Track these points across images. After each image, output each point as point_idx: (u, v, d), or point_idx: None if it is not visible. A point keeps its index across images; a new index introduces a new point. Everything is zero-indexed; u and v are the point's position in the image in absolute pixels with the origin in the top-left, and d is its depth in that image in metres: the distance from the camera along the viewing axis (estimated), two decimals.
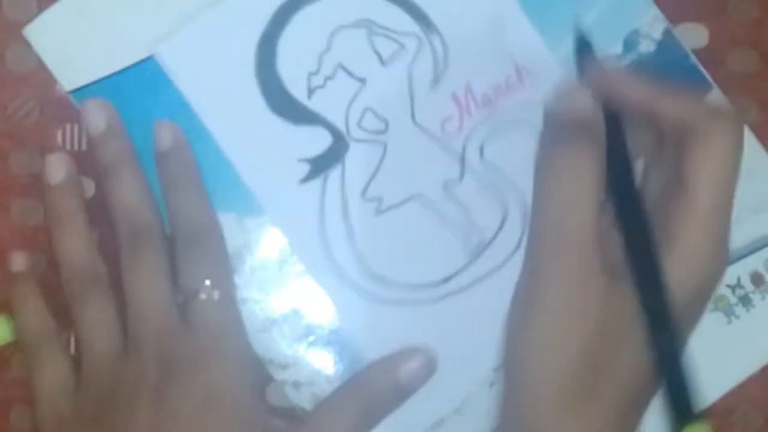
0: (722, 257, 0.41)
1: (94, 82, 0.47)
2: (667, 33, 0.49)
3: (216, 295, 0.45)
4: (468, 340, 0.48)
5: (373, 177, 0.48)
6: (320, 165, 0.48)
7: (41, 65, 0.48)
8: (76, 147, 0.48)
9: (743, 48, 0.49)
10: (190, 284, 0.45)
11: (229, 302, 0.46)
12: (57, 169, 0.47)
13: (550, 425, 0.40)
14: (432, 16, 0.48)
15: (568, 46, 0.44)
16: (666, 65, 0.48)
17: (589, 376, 0.40)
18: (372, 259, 0.48)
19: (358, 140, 0.48)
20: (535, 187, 0.43)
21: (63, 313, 0.47)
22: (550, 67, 0.49)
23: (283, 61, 0.48)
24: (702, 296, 0.41)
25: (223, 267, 0.46)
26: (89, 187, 0.48)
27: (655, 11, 0.49)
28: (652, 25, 0.49)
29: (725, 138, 0.40)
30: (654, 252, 0.40)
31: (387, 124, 0.48)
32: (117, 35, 0.47)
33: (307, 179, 0.48)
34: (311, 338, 0.48)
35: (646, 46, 0.48)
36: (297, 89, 0.48)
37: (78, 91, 0.47)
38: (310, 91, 0.48)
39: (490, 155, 0.48)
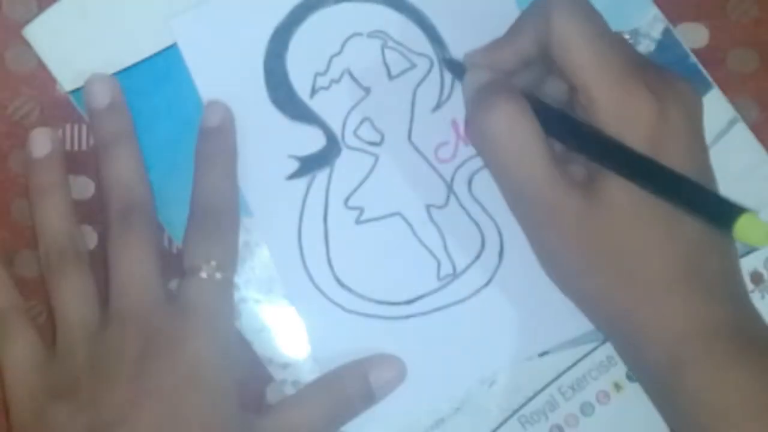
0: (641, 93, 0.42)
1: None
2: (667, 33, 0.49)
3: (218, 276, 0.45)
4: (429, 361, 0.48)
5: (359, 186, 0.48)
6: (309, 165, 0.48)
7: (41, 65, 0.48)
8: (76, 147, 0.48)
9: (743, 48, 0.49)
10: (195, 260, 0.45)
11: (227, 288, 0.46)
12: (42, 143, 0.47)
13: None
14: (447, 41, 0.48)
15: None
16: (666, 65, 0.48)
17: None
18: (342, 267, 0.48)
19: (351, 147, 0.48)
20: (484, 162, 0.46)
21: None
22: None
23: (293, 57, 0.48)
24: (668, 135, 0.42)
25: (232, 253, 0.46)
26: (89, 188, 0.48)
27: (655, 11, 0.49)
28: (652, 25, 0.49)
29: (560, 11, 0.42)
30: (597, 133, 0.42)
31: (383, 138, 0.48)
32: (117, 35, 0.47)
33: (294, 176, 0.48)
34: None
35: (646, 46, 0.48)
36: (301, 86, 0.48)
37: (78, 91, 0.47)
38: (314, 91, 0.48)
39: (477, 189, 0.48)
